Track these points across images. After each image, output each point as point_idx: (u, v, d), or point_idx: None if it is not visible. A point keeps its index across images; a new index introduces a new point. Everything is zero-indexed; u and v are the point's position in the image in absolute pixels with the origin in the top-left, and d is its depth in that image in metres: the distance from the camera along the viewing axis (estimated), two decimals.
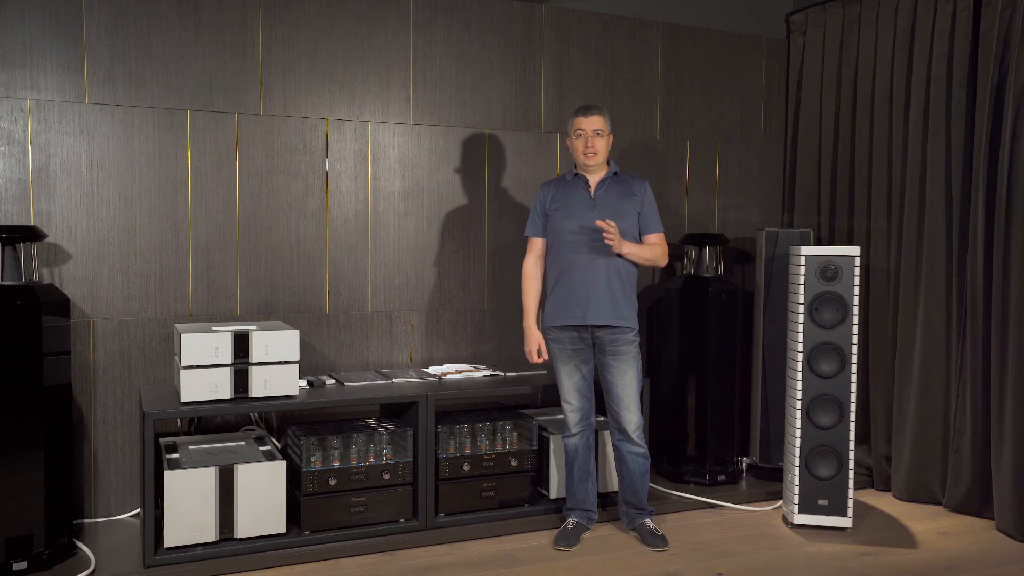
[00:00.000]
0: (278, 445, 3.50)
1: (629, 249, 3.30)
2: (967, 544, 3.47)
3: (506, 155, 4.11)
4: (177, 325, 3.35)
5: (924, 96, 3.93)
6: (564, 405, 3.46)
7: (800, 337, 3.57)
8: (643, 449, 3.43)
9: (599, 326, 3.35)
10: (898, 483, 4.03)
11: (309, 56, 3.72)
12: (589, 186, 3.41)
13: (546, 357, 3.48)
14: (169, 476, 3.02)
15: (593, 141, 3.35)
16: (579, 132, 3.37)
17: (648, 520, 3.48)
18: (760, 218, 4.68)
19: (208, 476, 3.08)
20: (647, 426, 3.64)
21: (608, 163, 3.45)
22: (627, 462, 3.44)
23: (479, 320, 4.09)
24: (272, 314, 3.71)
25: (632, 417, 3.38)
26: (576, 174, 3.45)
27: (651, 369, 4.18)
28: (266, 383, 3.21)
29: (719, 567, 3.20)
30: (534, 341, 3.46)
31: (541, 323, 3.51)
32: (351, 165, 3.83)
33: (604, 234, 3.23)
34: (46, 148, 3.34)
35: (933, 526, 3.68)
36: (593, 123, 3.35)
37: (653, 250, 3.39)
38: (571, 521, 3.46)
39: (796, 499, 3.60)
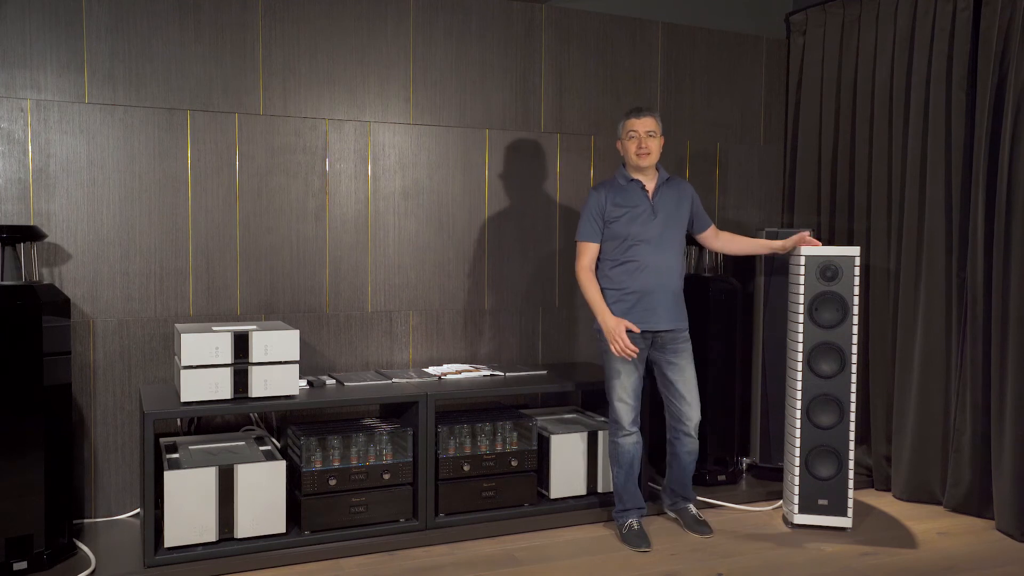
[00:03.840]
0: (278, 445, 3.50)
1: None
2: (967, 544, 3.47)
3: (506, 155, 4.11)
4: (177, 325, 3.35)
5: (924, 96, 3.93)
6: (619, 404, 3.43)
7: (800, 337, 3.57)
8: (697, 443, 3.55)
9: (665, 330, 3.42)
10: (898, 483, 4.03)
11: (309, 56, 3.72)
12: (647, 191, 3.44)
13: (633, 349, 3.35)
14: (169, 476, 3.02)
15: (646, 142, 3.38)
16: (631, 134, 3.40)
17: (691, 506, 3.61)
18: (760, 218, 4.68)
19: (208, 476, 3.08)
20: (648, 424, 3.65)
21: (657, 168, 3.48)
22: (680, 456, 3.55)
23: (479, 320, 4.09)
24: (272, 314, 3.71)
25: (693, 414, 3.49)
26: (631, 179, 3.45)
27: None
28: (266, 383, 3.21)
29: (719, 567, 3.20)
30: (622, 325, 3.33)
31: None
32: (351, 165, 3.83)
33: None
34: (46, 148, 3.34)
35: (933, 526, 3.68)
36: (645, 124, 3.38)
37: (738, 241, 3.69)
38: (634, 522, 3.47)
39: (796, 499, 3.60)
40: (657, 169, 3.48)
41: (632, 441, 3.46)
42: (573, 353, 4.29)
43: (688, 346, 3.49)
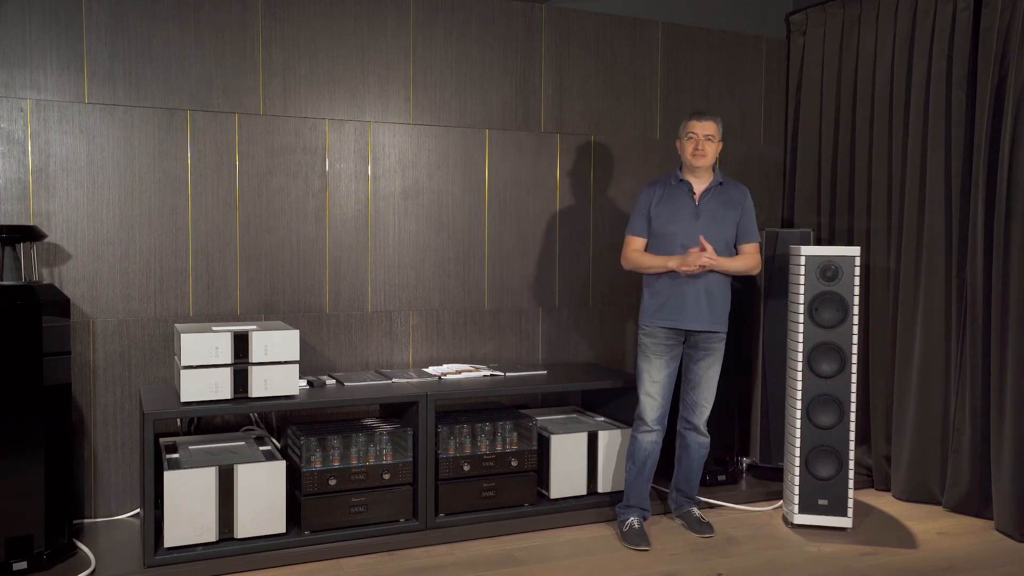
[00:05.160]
0: (278, 445, 3.50)
1: (722, 265, 3.38)
2: (967, 544, 3.47)
3: (506, 155, 4.11)
4: (177, 325, 3.35)
5: (924, 96, 3.93)
6: (644, 398, 3.48)
7: (800, 337, 3.57)
8: (708, 439, 3.58)
9: (695, 331, 3.43)
10: (898, 483, 4.03)
11: (309, 56, 3.72)
12: (694, 193, 3.46)
13: (699, 253, 3.31)
14: (169, 476, 3.02)
15: (703, 144, 3.41)
16: (690, 135, 3.43)
17: (695, 508, 3.63)
18: (760, 218, 4.65)
19: (208, 476, 3.08)
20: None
21: (714, 171, 3.50)
22: (691, 450, 3.57)
23: (479, 320, 4.09)
24: (272, 314, 3.71)
25: (706, 411, 3.54)
26: (681, 179, 3.49)
27: None
28: (266, 383, 3.21)
29: (719, 567, 3.20)
30: (687, 255, 3.33)
31: (639, 318, 3.54)
32: (351, 165, 3.83)
33: (699, 255, 3.29)
34: (46, 148, 3.34)
35: (933, 526, 3.68)
36: (705, 128, 3.43)
37: (745, 261, 3.46)
38: (635, 520, 3.50)
39: (796, 499, 3.60)
40: (714, 171, 3.50)
41: (651, 439, 3.48)
42: (573, 353, 4.29)
43: (720, 347, 3.49)
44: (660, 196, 3.50)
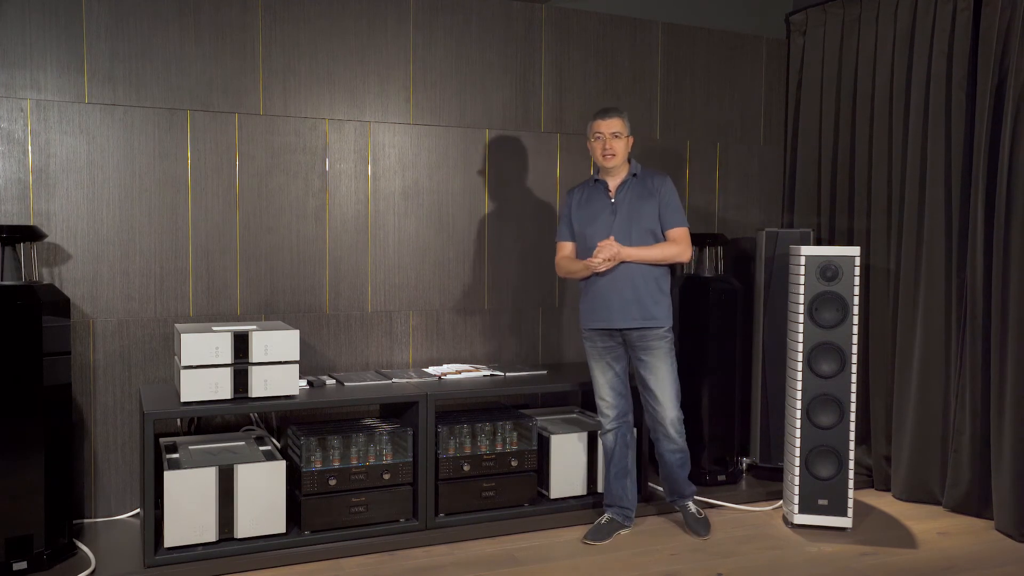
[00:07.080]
0: (278, 445, 3.50)
1: (631, 255, 3.32)
2: (967, 544, 3.47)
3: (506, 155, 4.11)
4: (177, 325, 3.35)
5: (924, 96, 3.93)
6: (599, 402, 3.51)
7: (800, 337, 3.57)
8: (679, 443, 3.50)
9: (627, 328, 3.40)
10: (898, 483, 4.03)
11: (309, 56, 3.72)
12: (609, 190, 3.45)
13: (602, 254, 3.29)
14: (169, 476, 3.02)
15: (611, 143, 3.38)
16: (597, 135, 3.41)
17: (690, 503, 3.59)
18: (760, 218, 4.68)
19: (208, 476, 3.08)
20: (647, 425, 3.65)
21: (629, 163, 3.48)
22: (664, 457, 3.54)
23: (479, 320, 4.09)
24: (272, 314, 3.71)
25: (667, 412, 3.45)
26: (597, 179, 3.49)
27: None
28: (266, 383, 3.21)
29: (719, 567, 3.20)
30: (594, 257, 3.30)
31: (577, 322, 3.55)
32: (351, 165, 3.83)
33: (596, 255, 3.29)
34: (46, 148, 3.34)
35: (933, 526, 3.68)
36: (611, 126, 3.39)
37: (664, 249, 3.35)
38: (605, 517, 3.51)
39: (796, 499, 3.60)
40: (630, 164, 3.47)
41: (609, 440, 3.50)
42: (573, 353, 4.29)
43: (662, 344, 3.40)
44: (580, 199, 3.49)
